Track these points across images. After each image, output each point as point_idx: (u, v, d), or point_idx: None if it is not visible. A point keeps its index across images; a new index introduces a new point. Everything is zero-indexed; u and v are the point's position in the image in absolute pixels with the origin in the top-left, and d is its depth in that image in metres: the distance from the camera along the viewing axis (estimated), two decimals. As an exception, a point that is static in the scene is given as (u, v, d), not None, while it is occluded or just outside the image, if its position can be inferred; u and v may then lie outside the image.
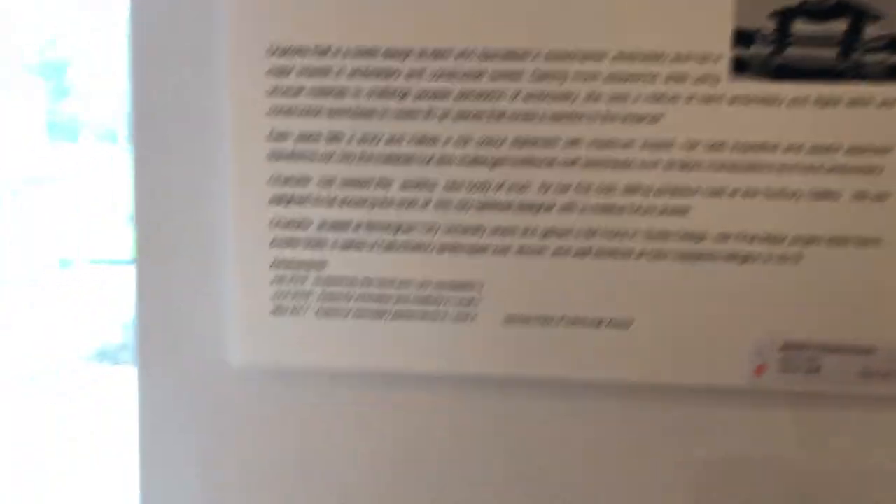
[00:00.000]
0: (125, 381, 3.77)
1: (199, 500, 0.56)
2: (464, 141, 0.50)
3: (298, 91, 0.50)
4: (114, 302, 4.41)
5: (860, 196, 0.49)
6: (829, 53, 0.48)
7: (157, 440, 0.56)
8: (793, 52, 0.48)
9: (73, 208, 4.85)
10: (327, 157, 0.50)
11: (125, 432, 3.12)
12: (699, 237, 0.50)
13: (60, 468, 2.91)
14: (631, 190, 0.50)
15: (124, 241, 6.02)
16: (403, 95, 0.49)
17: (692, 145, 0.49)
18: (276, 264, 0.52)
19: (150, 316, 0.54)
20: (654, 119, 0.49)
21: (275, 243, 0.52)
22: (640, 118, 0.49)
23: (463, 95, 0.49)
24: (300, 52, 0.50)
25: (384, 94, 0.50)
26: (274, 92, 0.50)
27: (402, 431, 0.55)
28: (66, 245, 4.41)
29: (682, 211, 0.50)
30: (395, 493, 0.56)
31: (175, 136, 0.52)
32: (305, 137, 0.50)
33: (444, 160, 0.50)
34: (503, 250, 0.51)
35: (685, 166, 0.49)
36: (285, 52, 0.49)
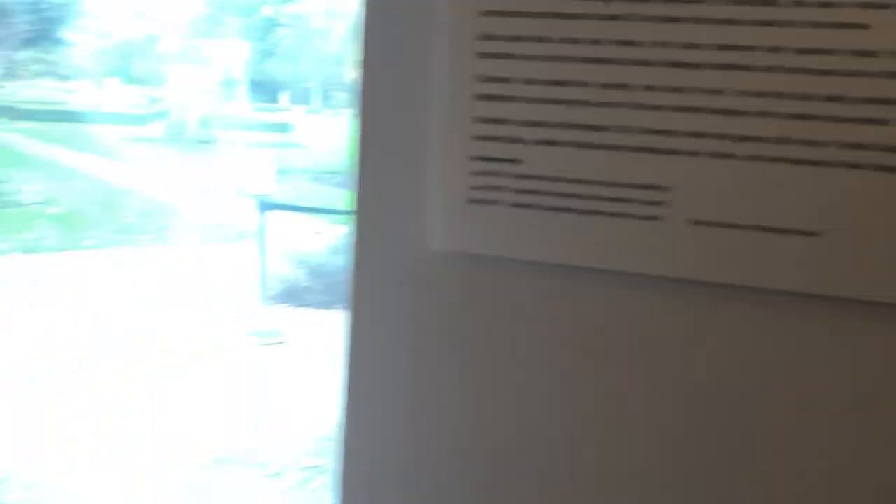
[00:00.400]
0: (309, 322, 4.05)
1: (403, 379, 0.63)
2: (664, 44, 0.52)
3: (509, -7, 0.54)
4: (302, 246, 4.73)
5: None
6: None
7: (366, 316, 0.63)
8: None
9: (271, 161, 5.20)
10: (531, 57, 0.54)
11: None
12: (900, 149, 0.50)
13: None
14: (830, 99, 0.50)
15: (314, 193, 6.39)
16: (608, -1, 0.52)
17: (900, 55, 0.49)
18: (476, 157, 0.57)
19: (366, 205, 0.61)
20: (861, 27, 0.49)
21: (476, 137, 0.56)
22: (845, 26, 0.49)
23: None
24: (513, -42, 0.54)
25: (589, -2, 0.53)
26: (486, -6, 0.54)
27: (581, 323, 0.58)
28: (264, 194, 4.76)
29: (882, 122, 0.50)
30: (570, 383, 0.59)
31: (394, 35, 0.58)
32: (512, 37, 0.55)
33: (644, 62, 0.52)
34: (695, 154, 0.53)
35: (890, 76, 0.49)
36: (500, -44, 0.54)
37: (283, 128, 9.42)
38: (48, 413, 3.14)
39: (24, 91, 8.11)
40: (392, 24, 0.59)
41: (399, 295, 0.62)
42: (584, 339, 0.58)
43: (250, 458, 2.73)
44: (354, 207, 0.63)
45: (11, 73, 7.24)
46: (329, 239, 5.17)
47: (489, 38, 0.55)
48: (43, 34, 7.93)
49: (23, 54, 7.33)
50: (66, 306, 4.25)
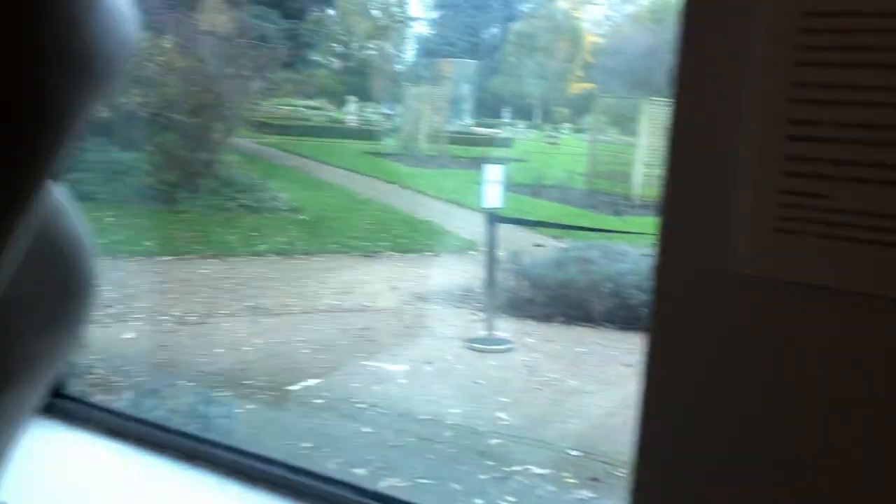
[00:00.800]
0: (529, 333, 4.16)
1: (702, 400, 0.69)
2: (983, 91, 0.55)
3: (824, 47, 0.59)
4: (524, 259, 4.87)
5: None
6: None
7: (667, 335, 0.70)
8: None
9: (496, 175, 5.37)
10: (842, 103, 0.59)
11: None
12: None
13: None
14: None
15: (535, 207, 6.55)
16: (926, 50, 0.56)
17: None
18: (784, 191, 0.62)
19: (671, 227, 0.69)
20: None
21: (786, 173, 0.62)
22: None
23: None
24: (829, 14, 0.59)
25: (906, 48, 0.57)
26: (800, 47, 0.60)
27: (881, 352, 0.62)
28: (491, 207, 4.95)
29: None
30: (871, 412, 0.63)
31: (708, 73, 0.65)
32: (824, 85, 0.60)
33: (961, 108, 0.56)
34: None
35: None
36: (820, 14, 0.59)
37: (505, 143, 9.73)
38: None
39: (278, 108, 8.98)
40: (707, 63, 0.66)
41: (699, 315, 0.68)
42: (886, 369, 0.62)
43: (483, 457, 2.88)
44: (659, 229, 0.70)
45: (268, 93, 8.05)
46: (550, 252, 5.28)
47: (802, 85, 0.61)
48: (295, 57, 8.76)
49: (278, 76, 8.13)
50: (311, 304, 4.67)
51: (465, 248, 6.00)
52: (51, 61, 0.48)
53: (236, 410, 3.14)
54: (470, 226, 6.39)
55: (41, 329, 0.64)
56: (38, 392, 0.71)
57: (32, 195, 0.49)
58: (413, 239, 6.25)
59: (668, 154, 0.68)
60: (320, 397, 3.39)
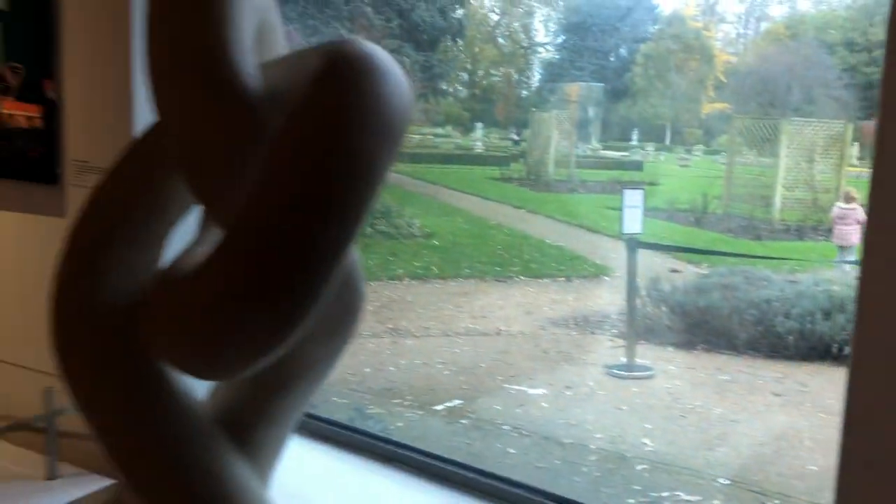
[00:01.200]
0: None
1: None
2: None
3: None
4: (661, 285, 4.81)
5: None
6: None
7: (871, 359, 0.74)
8: None
9: (631, 199, 5.35)
10: None
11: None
12: None
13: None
14: None
15: (668, 231, 6.46)
16: None
17: None
18: None
19: (876, 255, 0.73)
20: None
21: None
22: None
23: None
24: None
25: None
26: None
27: None
28: (626, 232, 4.92)
29: None
30: None
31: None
32: None
33: None
34: None
35: None
36: None
37: (635, 166, 9.63)
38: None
39: (410, 137, 9.28)
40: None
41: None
42: None
43: (630, 482, 2.89)
44: (863, 255, 0.74)
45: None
46: (689, 278, 5.19)
47: None
48: (428, 88, 9.04)
49: (410, 105, 8.41)
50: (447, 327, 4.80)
51: (597, 272, 5.99)
52: (367, 132, 0.59)
53: (389, 427, 3.28)
54: (601, 250, 6.38)
55: (325, 338, 0.75)
56: (311, 396, 0.84)
57: (353, 239, 0.60)
58: (544, 264, 6.30)
59: (873, 180, 0.73)
60: (465, 417, 3.48)
